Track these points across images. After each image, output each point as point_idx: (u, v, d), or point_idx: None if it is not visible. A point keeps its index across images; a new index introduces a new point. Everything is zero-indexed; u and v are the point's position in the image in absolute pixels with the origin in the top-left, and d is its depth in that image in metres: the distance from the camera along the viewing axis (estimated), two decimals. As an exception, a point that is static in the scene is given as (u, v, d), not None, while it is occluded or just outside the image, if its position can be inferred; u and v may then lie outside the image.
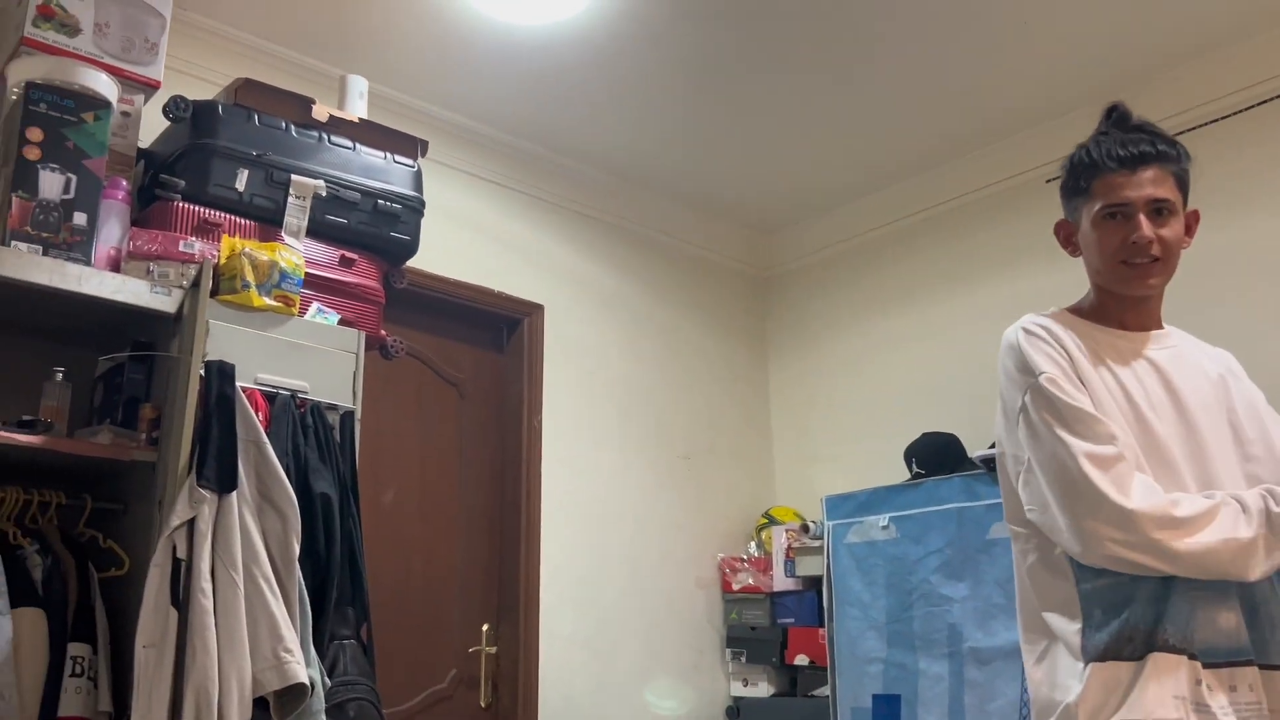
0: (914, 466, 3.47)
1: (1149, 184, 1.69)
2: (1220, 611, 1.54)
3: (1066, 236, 1.83)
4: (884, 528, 3.35)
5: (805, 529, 3.76)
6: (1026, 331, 1.72)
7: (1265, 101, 3.10)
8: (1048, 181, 3.59)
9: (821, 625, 3.54)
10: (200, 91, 2.70)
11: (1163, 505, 1.51)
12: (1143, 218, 1.68)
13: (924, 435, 3.50)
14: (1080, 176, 1.77)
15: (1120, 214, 1.70)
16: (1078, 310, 1.81)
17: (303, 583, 2.09)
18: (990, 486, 3.10)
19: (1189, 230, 1.75)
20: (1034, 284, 3.59)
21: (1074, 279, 3.37)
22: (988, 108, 3.51)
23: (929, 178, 3.94)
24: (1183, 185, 1.74)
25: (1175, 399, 1.68)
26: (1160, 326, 1.79)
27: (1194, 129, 3.23)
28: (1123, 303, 1.76)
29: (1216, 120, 3.18)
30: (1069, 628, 1.59)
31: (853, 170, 3.94)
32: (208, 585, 1.91)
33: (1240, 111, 3.15)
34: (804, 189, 4.10)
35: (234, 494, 2.01)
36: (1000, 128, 3.64)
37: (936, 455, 3.41)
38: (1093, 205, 1.73)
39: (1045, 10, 2.97)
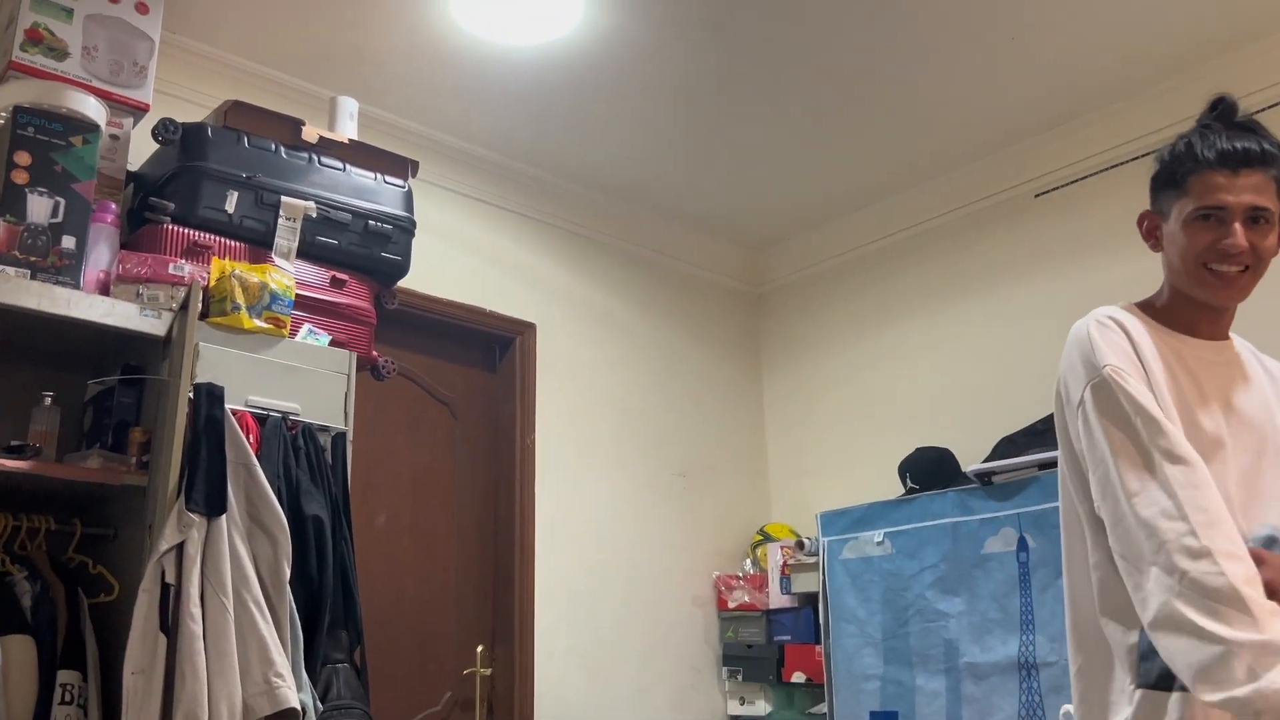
0: (908, 481, 3.46)
1: (1250, 190, 1.58)
2: None
3: (1149, 229, 1.71)
4: (879, 543, 3.34)
5: (801, 545, 3.75)
6: (1099, 324, 1.60)
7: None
8: (1037, 196, 3.64)
9: (818, 642, 3.52)
10: (189, 114, 2.70)
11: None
12: (1238, 225, 1.57)
13: (918, 450, 3.50)
14: (1176, 170, 1.63)
15: (1215, 218, 1.58)
16: (1148, 308, 1.69)
17: (294, 606, 2.08)
18: (984, 501, 3.09)
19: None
20: (1026, 298, 3.60)
21: (1068, 293, 3.40)
22: (975, 124, 3.52)
23: (919, 193, 3.96)
24: None
25: (1238, 417, 1.61)
26: (1227, 337, 1.70)
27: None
28: (1197, 309, 1.65)
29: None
30: (1125, 639, 1.48)
31: (843, 186, 3.95)
32: (197, 610, 1.90)
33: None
34: (795, 205, 4.11)
35: (223, 517, 2.00)
36: (988, 143, 3.65)
37: (930, 470, 3.41)
38: (1186, 203, 1.61)
39: (1031, 26, 2.99)
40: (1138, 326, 1.62)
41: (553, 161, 3.75)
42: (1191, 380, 1.61)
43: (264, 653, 1.94)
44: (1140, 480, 1.45)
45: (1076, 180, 3.53)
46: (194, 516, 1.96)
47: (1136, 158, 3.37)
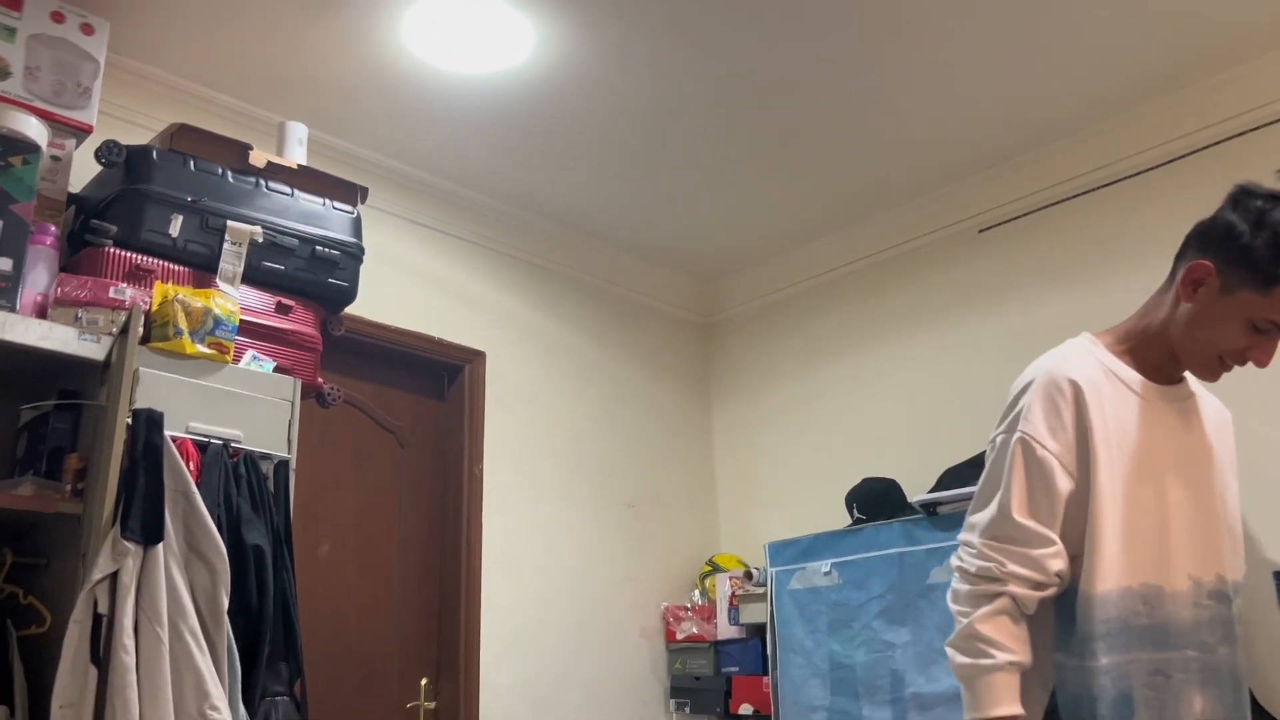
0: (855, 512, 3.48)
1: None
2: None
3: (1197, 282, 1.63)
4: (826, 574, 3.35)
5: (749, 576, 3.76)
6: (1054, 388, 1.62)
7: (1181, 156, 3.20)
8: (980, 232, 3.71)
9: (766, 673, 3.52)
10: (134, 136, 2.67)
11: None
12: (1277, 342, 1.60)
13: (864, 480, 3.53)
14: (1272, 266, 1.55)
15: (1269, 331, 1.59)
16: (1127, 340, 1.72)
17: (232, 637, 2.03)
18: (929, 531, 3.12)
19: None
20: (971, 331, 3.65)
21: (1011, 327, 3.46)
22: (920, 161, 3.59)
23: (867, 227, 4.01)
24: None
25: (1188, 457, 1.68)
26: (1183, 378, 1.75)
27: (1115, 182, 3.33)
28: (1173, 362, 1.69)
29: (1138, 174, 3.28)
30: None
31: (792, 219, 4.00)
32: (130, 641, 1.85)
33: (1165, 164, 3.25)
34: (745, 237, 4.15)
35: (160, 546, 1.96)
36: (933, 180, 3.72)
37: (877, 501, 3.43)
38: (1259, 305, 1.57)
39: (975, 67, 3.05)
40: (1097, 379, 1.64)
41: (503, 189, 3.75)
42: (1148, 427, 1.65)
43: (200, 685, 1.89)
44: (982, 510, 1.63)
45: (1019, 217, 3.61)
46: (129, 545, 1.92)
47: (1076, 195, 3.45)
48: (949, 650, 1.60)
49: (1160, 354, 1.69)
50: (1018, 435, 1.60)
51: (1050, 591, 1.57)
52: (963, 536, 1.65)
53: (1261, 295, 1.56)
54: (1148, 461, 1.63)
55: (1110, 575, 1.56)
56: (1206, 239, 1.65)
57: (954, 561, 1.64)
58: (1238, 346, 1.60)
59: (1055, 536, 1.57)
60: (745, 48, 2.96)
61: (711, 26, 2.87)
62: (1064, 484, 1.58)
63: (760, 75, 3.09)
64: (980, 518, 1.61)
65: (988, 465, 1.65)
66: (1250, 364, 1.62)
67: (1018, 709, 1.52)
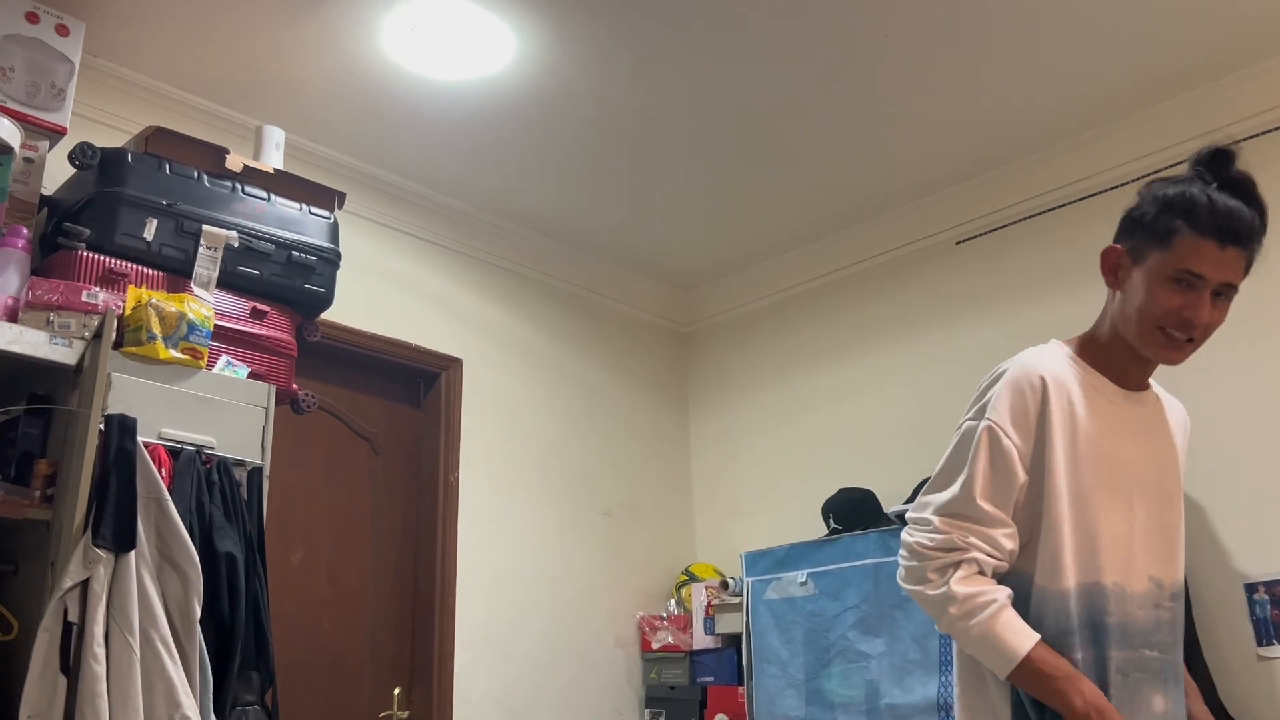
0: (831, 522, 3.49)
1: (1229, 266, 1.59)
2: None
3: (1112, 266, 1.70)
4: (802, 584, 3.35)
5: (725, 586, 3.75)
6: (1025, 382, 1.64)
7: (1158, 171, 3.24)
8: (958, 243, 3.73)
9: (741, 684, 3.51)
10: (109, 139, 2.64)
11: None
12: (1207, 296, 1.59)
13: (841, 491, 3.53)
14: (1166, 222, 1.61)
15: (1188, 283, 1.59)
16: (1088, 347, 1.74)
17: (204, 646, 2.01)
18: (906, 542, 3.12)
19: None
20: (948, 341, 3.68)
21: (988, 338, 3.48)
22: (899, 172, 3.61)
23: (845, 238, 4.03)
24: (1249, 269, 1.65)
25: (1150, 465, 1.70)
26: (1149, 386, 1.77)
27: (1091, 196, 3.36)
28: (1134, 358, 1.70)
29: (1114, 187, 3.30)
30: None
31: (771, 229, 4.01)
32: (100, 650, 1.82)
33: (1141, 178, 3.28)
34: (723, 246, 4.15)
35: (132, 554, 1.93)
36: (911, 191, 3.74)
37: (853, 511, 3.44)
38: (1166, 259, 1.61)
39: (955, 78, 3.07)
40: (1067, 381, 1.67)
41: (482, 197, 3.74)
42: (1114, 430, 1.68)
43: (171, 695, 1.87)
44: (942, 490, 1.65)
45: (996, 229, 3.63)
46: (101, 552, 1.89)
47: (1054, 208, 3.48)
48: (951, 627, 1.59)
49: (1122, 357, 1.72)
50: (985, 422, 1.63)
51: (1000, 565, 1.62)
52: (915, 515, 1.67)
53: (1164, 250, 1.61)
54: (1114, 464, 1.66)
55: (1070, 573, 1.59)
56: (1117, 231, 1.73)
57: (906, 538, 1.65)
58: (1169, 308, 1.61)
59: (1009, 520, 1.61)
60: (726, 60, 2.97)
61: (692, 38, 2.87)
62: (1020, 475, 1.62)
63: (740, 87, 3.10)
64: (939, 497, 1.64)
65: (951, 448, 1.68)
66: (1193, 335, 1.62)
67: (1034, 634, 1.54)
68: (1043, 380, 1.64)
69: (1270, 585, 2.80)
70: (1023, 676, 1.52)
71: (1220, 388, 2.95)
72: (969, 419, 1.68)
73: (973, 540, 1.59)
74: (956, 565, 1.58)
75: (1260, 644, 2.79)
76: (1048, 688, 1.50)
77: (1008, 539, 1.60)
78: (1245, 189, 1.62)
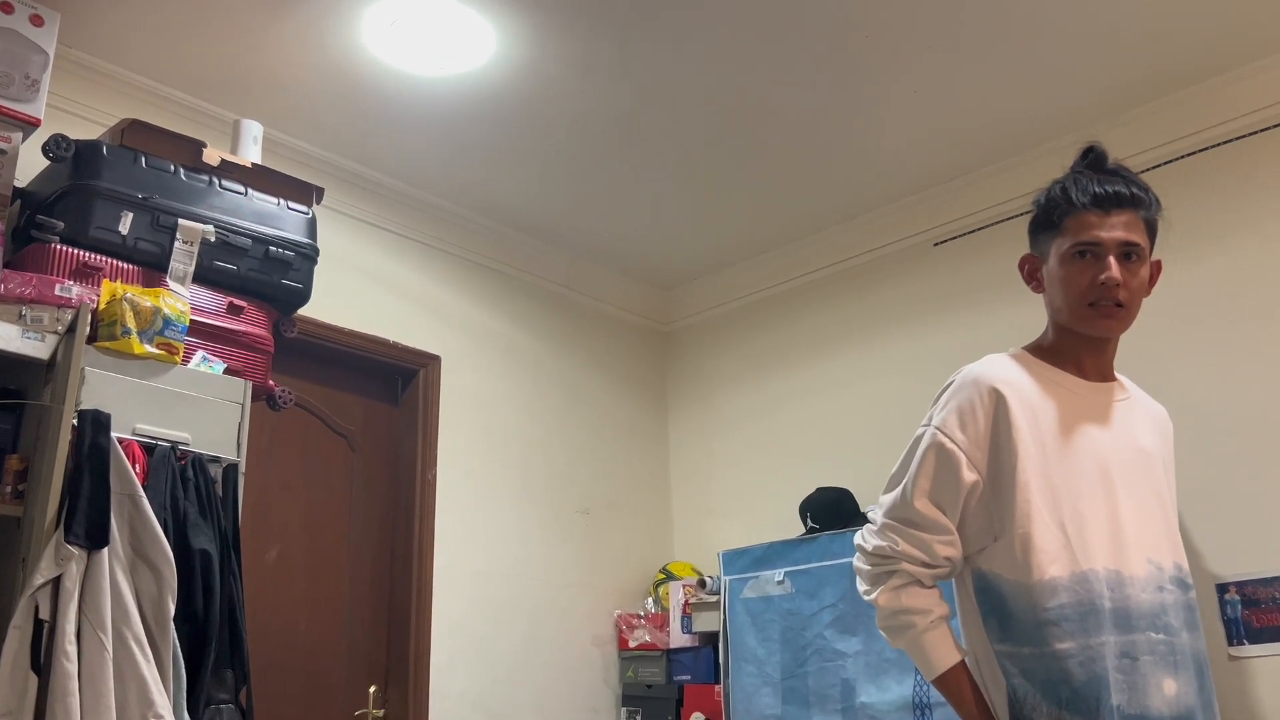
0: (809, 521, 3.50)
1: (1121, 227, 1.69)
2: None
3: (1030, 271, 1.81)
4: (779, 582, 3.36)
5: (702, 584, 3.76)
6: (974, 389, 1.70)
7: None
8: (935, 245, 3.75)
9: (717, 682, 3.52)
10: (84, 131, 2.61)
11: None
12: (1113, 259, 1.68)
13: (818, 490, 3.55)
14: (1053, 212, 1.75)
15: (1091, 253, 1.69)
16: (1038, 351, 1.80)
17: (178, 644, 2.00)
18: (882, 541, 3.14)
19: (1151, 279, 1.76)
20: (925, 342, 3.69)
21: (965, 338, 3.50)
22: (878, 174, 3.62)
23: (824, 238, 4.04)
24: (1152, 233, 1.74)
25: (1125, 454, 1.71)
26: (1114, 377, 1.81)
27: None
28: (1081, 344, 1.76)
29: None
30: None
31: (751, 228, 4.01)
32: (72, 648, 1.80)
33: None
34: (703, 246, 4.16)
35: (105, 550, 1.92)
36: (889, 193, 3.75)
37: (830, 510, 3.45)
38: (1063, 242, 1.72)
39: (933, 81, 3.09)
40: (1022, 381, 1.71)
41: (462, 193, 3.73)
42: (1082, 419, 1.71)
43: (143, 693, 1.85)
44: (890, 497, 1.73)
45: (973, 231, 3.65)
46: (73, 549, 1.87)
47: (1030, 211, 3.50)
48: (882, 632, 1.72)
49: (1073, 349, 1.77)
50: (931, 428, 1.71)
51: (939, 572, 1.69)
52: (870, 512, 1.78)
53: (1059, 234, 1.73)
54: (1087, 451, 1.68)
55: (1055, 562, 1.60)
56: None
57: (856, 539, 1.76)
58: (1085, 282, 1.69)
59: (951, 526, 1.67)
60: (707, 61, 2.97)
61: (673, 38, 2.87)
62: (968, 476, 1.66)
63: (720, 87, 3.10)
64: (887, 498, 1.73)
65: (905, 452, 1.76)
66: (1119, 298, 1.68)
67: (957, 656, 1.65)
68: (992, 387, 1.69)
69: (1241, 585, 2.83)
70: (941, 688, 1.66)
71: (1192, 389, 2.98)
72: (922, 424, 1.75)
73: (904, 549, 1.67)
74: (889, 575, 1.68)
75: (1231, 643, 2.82)
76: (957, 708, 1.65)
77: (945, 546, 1.67)
78: (1118, 173, 1.75)
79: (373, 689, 3.30)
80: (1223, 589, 2.86)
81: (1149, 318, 1.79)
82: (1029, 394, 1.69)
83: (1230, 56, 3.03)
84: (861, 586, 1.74)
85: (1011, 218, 3.53)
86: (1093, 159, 1.79)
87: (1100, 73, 3.08)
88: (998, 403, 1.68)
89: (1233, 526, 2.87)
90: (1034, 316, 1.88)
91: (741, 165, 3.55)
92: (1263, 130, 3.06)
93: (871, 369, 3.82)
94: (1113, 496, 1.66)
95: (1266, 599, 2.79)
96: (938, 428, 1.70)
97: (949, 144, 3.44)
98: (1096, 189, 1.71)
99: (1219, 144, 3.13)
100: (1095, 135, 3.31)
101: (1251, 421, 2.92)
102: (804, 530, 3.50)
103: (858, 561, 1.75)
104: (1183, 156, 3.19)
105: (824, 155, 3.49)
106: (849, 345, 3.93)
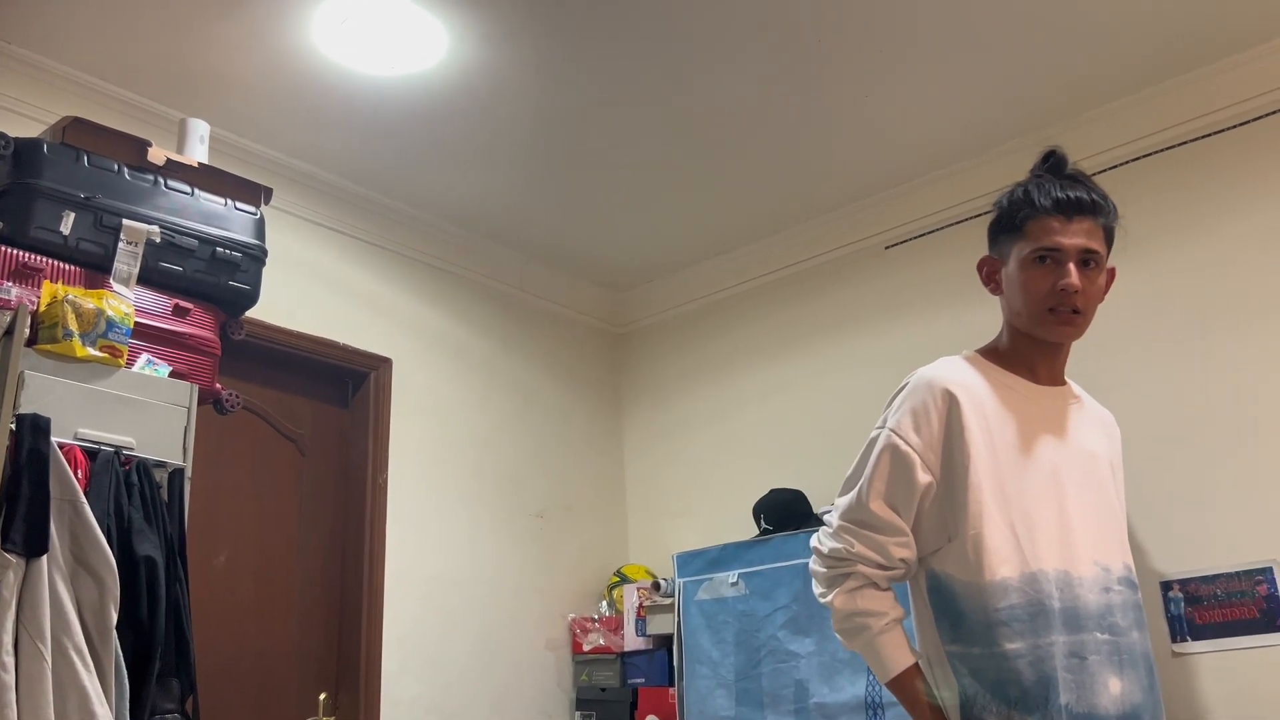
0: (762, 522, 3.51)
1: (1083, 234, 1.71)
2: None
3: (989, 274, 1.83)
4: (733, 584, 3.37)
5: (657, 587, 3.75)
6: (927, 392, 1.72)
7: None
8: (887, 248, 3.78)
9: (672, 685, 3.52)
10: (24, 129, 2.55)
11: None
12: (1073, 266, 1.70)
13: (772, 491, 3.56)
14: (1015, 215, 1.76)
15: (1051, 259, 1.71)
16: (992, 354, 1.82)
17: (120, 654, 1.95)
18: (835, 542, 3.16)
19: (1106, 285, 1.79)
20: (877, 344, 3.72)
21: (917, 340, 3.53)
22: (830, 177, 3.64)
23: (777, 241, 4.06)
24: (1110, 240, 1.76)
25: (1077, 457, 1.74)
26: (1065, 381, 1.83)
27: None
28: (1035, 349, 1.78)
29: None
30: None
31: (704, 231, 4.02)
32: (9, 659, 1.75)
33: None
34: (657, 247, 4.16)
35: (44, 558, 1.87)
36: (842, 196, 3.78)
37: (784, 511, 3.47)
38: (1024, 246, 1.73)
39: (883, 84, 3.12)
40: (975, 384, 1.73)
41: (413, 193, 3.69)
42: (1033, 422, 1.73)
43: (84, 705, 1.81)
44: (846, 500, 1.75)
45: (924, 234, 3.69)
46: (11, 557, 1.82)
47: (980, 214, 3.54)
48: (838, 634, 1.73)
49: (1028, 353, 1.79)
50: (885, 430, 1.73)
51: (894, 574, 1.70)
52: (826, 515, 1.80)
53: (1020, 238, 1.75)
54: (1038, 455, 1.70)
55: (1006, 563, 1.62)
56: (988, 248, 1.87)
57: (812, 542, 1.77)
58: (1044, 287, 1.71)
59: (906, 528, 1.69)
60: (661, 63, 2.97)
61: (628, 38, 2.87)
62: (922, 478, 1.68)
63: (675, 90, 3.10)
64: (842, 501, 1.75)
65: (859, 455, 1.77)
66: (1076, 305, 1.71)
67: (910, 659, 1.67)
68: (945, 389, 1.71)
69: (1185, 583, 2.89)
70: (895, 690, 1.67)
71: (1139, 389, 3.04)
72: (876, 427, 1.77)
73: (859, 550, 1.68)
74: (844, 577, 1.69)
75: (1175, 640, 2.87)
76: (910, 711, 1.67)
77: (900, 548, 1.68)
78: (1079, 179, 1.77)
79: (323, 696, 3.26)
80: (1167, 586, 2.91)
81: (1099, 319, 1.81)
82: (981, 396, 1.71)
83: (1178, 62, 3.09)
84: (817, 589, 1.75)
85: (962, 221, 3.58)
86: (1053, 163, 1.81)
87: (1050, 78, 3.12)
88: (951, 405, 1.69)
89: (1176, 525, 2.93)
90: (986, 319, 1.90)
91: (695, 168, 3.55)
92: (1216, 133, 3.12)
93: (825, 371, 3.85)
94: (1062, 498, 1.69)
95: (1209, 596, 2.84)
96: (892, 430, 1.71)
97: (900, 148, 3.48)
98: (1059, 194, 1.73)
99: (1172, 146, 3.19)
100: (1047, 140, 3.37)
101: (1197, 421, 2.97)
102: (758, 532, 3.51)
103: (813, 564, 1.75)
104: (1137, 158, 3.24)
105: (777, 158, 3.51)
106: (802, 348, 3.95)
